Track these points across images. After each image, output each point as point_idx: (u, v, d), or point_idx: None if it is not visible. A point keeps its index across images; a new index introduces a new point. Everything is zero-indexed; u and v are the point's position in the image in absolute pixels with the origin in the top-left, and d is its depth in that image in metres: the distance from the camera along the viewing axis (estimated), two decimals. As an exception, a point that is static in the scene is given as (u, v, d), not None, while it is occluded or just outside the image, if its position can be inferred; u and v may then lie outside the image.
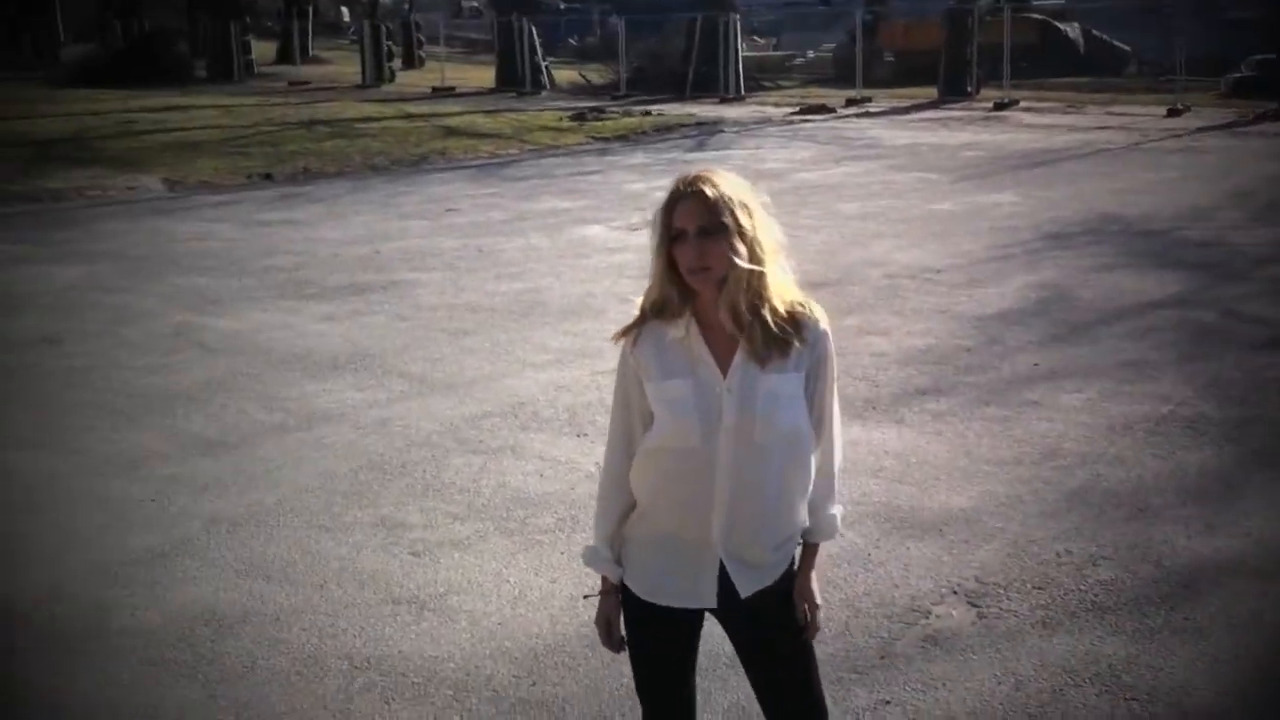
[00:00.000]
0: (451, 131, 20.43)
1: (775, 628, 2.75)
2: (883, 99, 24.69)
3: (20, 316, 8.63)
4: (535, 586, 4.56)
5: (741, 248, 2.52)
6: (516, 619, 4.33)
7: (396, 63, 35.18)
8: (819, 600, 2.79)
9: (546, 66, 30.46)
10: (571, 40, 41.05)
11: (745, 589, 2.67)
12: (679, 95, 26.33)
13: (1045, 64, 27.60)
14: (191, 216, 12.85)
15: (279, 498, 5.38)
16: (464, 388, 6.95)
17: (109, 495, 5.48)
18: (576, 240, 11.26)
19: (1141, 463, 5.60)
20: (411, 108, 24.70)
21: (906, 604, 4.35)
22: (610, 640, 2.81)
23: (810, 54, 35.62)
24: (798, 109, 23.65)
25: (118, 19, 34.70)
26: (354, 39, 38.44)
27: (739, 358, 2.56)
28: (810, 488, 2.70)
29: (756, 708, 2.91)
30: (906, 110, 23.36)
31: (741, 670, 3.90)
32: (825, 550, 4.75)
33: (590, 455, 5.86)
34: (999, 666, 3.95)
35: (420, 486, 5.52)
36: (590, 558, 2.79)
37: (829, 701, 3.72)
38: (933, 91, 25.38)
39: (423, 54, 38.40)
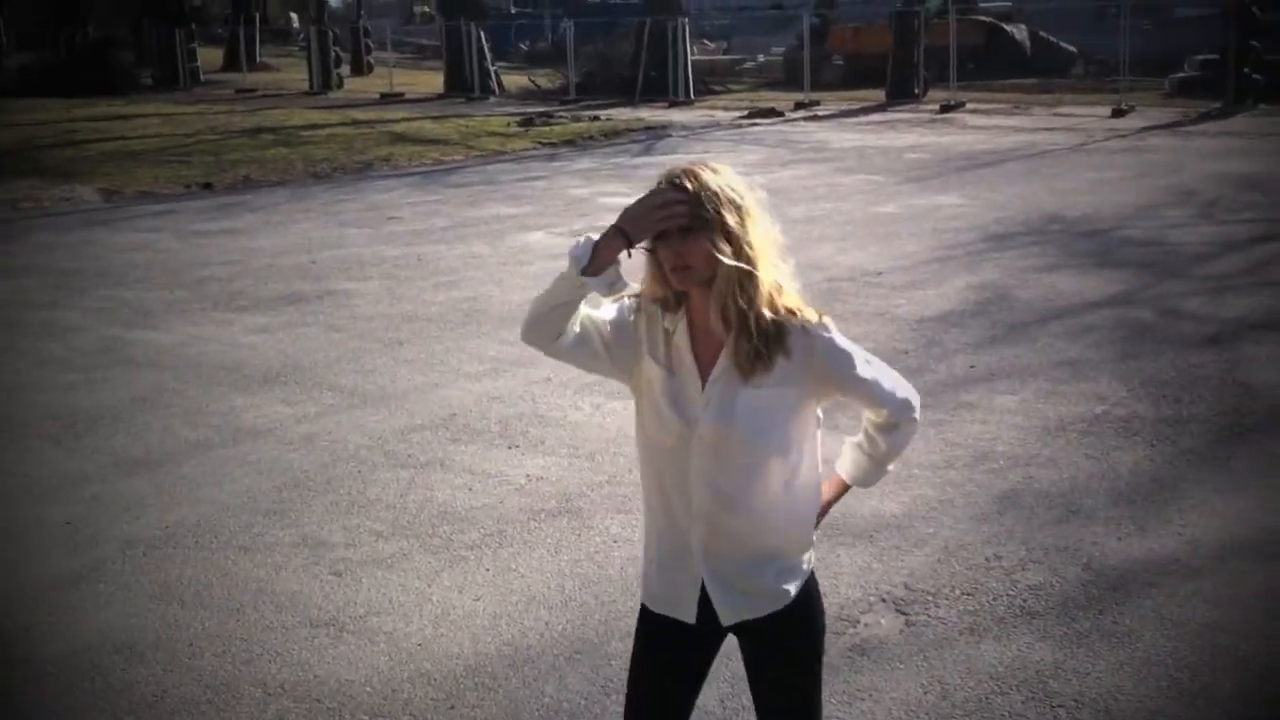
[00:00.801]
0: (397, 138, 20.27)
1: (768, 658, 2.64)
2: (831, 102, 24.75)
3: (-56, 334, 8.44)
4: (458, 605, 4.46)
5: (726, 246, 2.36)
6: (438, 639, 4.23)
7: (345, 69, 34.89)
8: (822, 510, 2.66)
9: (496, 72, 30.31)
10: (522, 45, 40.89)
11: (727, 615, 2.53)
12: (628, 100, 26.27)
13: (992, 66, 27.74)
14: (127, 227, 12.64)
15: (199, 517, 5.25)
16: (395, 400, 6.83)
17: (28, 519, 5.33)
18: (519, 247, 11.16)
19: (1074, 464, 5.58)
20: (358, 114, 24.50)
21: (835, 613, 4.28)
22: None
23: (760, 58, 35.66)
24: (746, 113, 23.65)
25: (62, 27, 34.19)
26: (302, 45, 38.09)
27: (720, 366, 2.43)
28: (813, 510, 2.60)
29: None
30: (854, 113, 23.42)
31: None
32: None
33: (521, 467, 5.78)
34: (926, 675, 3.89)
35: (345, 503, 5.41)
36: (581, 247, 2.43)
37: (753, 715, 3.66)
38: (881, 95, 25.47)
39: (371, 60, 38.10)
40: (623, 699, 3.75)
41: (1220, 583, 4.46)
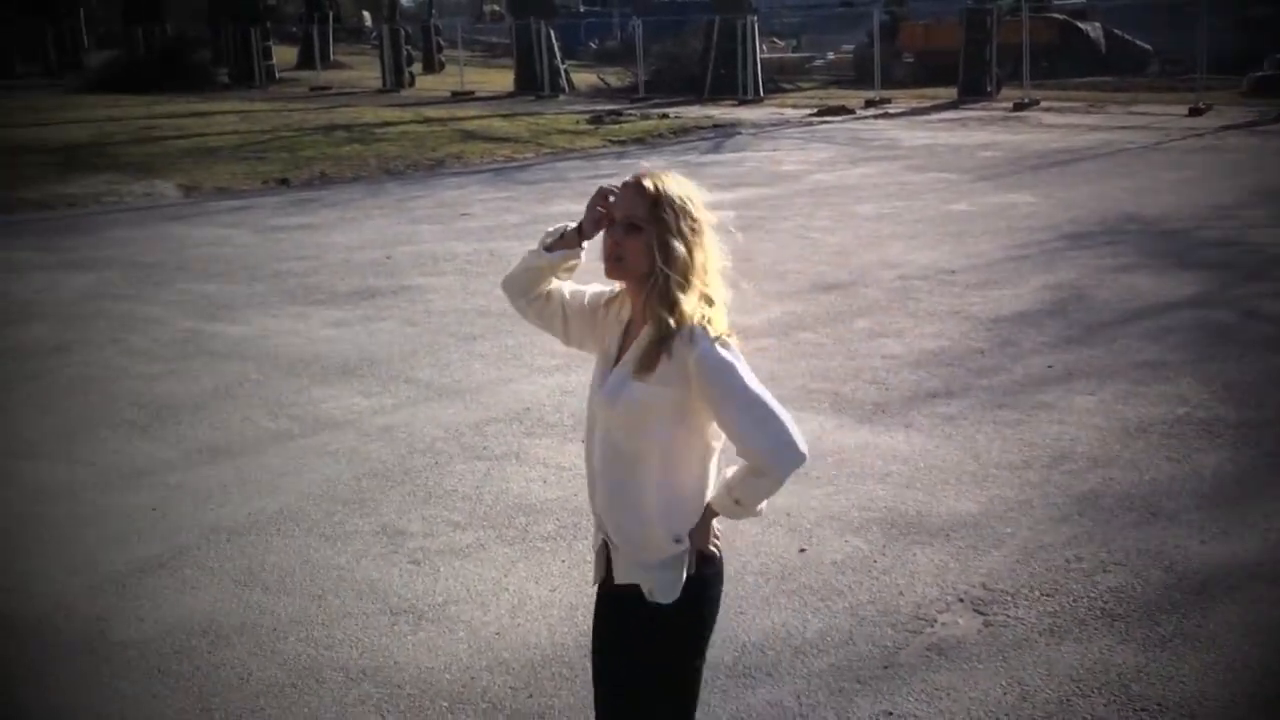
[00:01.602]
0: (468, 135, 20.43)
1: (612, 635, 2.71)
2: (902, 100, 24.55)
3: (29, 325, 8.64)
4: (534, 595, 4.50)
5: (666, 249, 2.50)
6: (515, 629, 4.27)
7: (417, 67, 35.22)
8: (702, 546, 2.66)
9: (565, 70, 30.43)
10: (591, 43, 41.02)
11: (619, 573, 2.65)
12: (697, 97, 26.25)
13: (1066, 64, 27.37)
14: (205, 222, 12.86)
15: (280, 506, 5.34)
16: (470, 393, 6.90)
17: (113, 505, 5.45)
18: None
19: (1155, 466, 5.50)
20: (430, 112, 24.71)
21: (911, 612, 4.28)
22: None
23: (830, 55, 35.47)
24: (816, 110, 23.54)
25: (140, 25, 34.86)
26: (375, 44, 38.51)
27: (627, 356, 2.58)
28: (690, 519, 2.62)
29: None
30: (925, 111, 23.22)
31: (741, 682, 3.86)
32: (828, 558, 4.70)
33: (595, 461, 5.81)
34: (1005, 676, 3.86)
35: (422, 493, 5.47)
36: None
37: (830, 711, 3.67)
38: (952, 92, 25.22)
39: (443, 58, 38.43)
40: (701, 690, 3.78)
41: (1307, 588, 4.38)
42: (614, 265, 2.56)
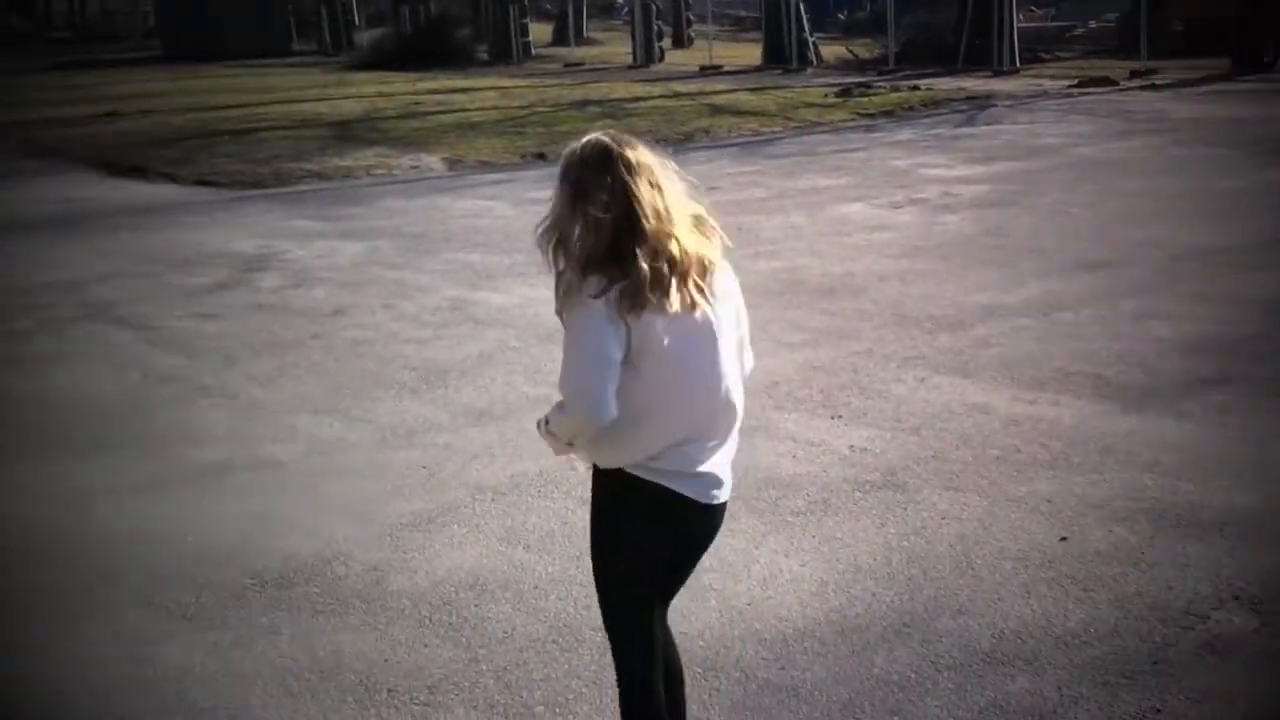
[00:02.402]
0: (716, 109, 20.52)
1: None
2: (1170, 71, 23.25)
3: (313, 289, 9.22)
4: (785, 569, 4.55)
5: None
6: (766, 600, 4.33)
7: (666, 42, 35.54)
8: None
9: (814, 42, 30.10)
10: (840, 15, 40.44)
11: None
12: (950, 69, 25.53)
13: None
14: (468, 194, 13.40)
15: (540, 469, 5.55)
16: (722, 366, 6.98)
17: (387, 461, 5.80)
18: (837, 218, 11.12)
19: None
20: (679, 86, 24.93)
21: (1182, 607, 4.11)
22: None
23: (1091, 24, 33.88)
24: (1076, 82, 22.54)
25: (407, 4, 36.44)
26: (626, 20, 39.08)
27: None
28: None
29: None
30: (1195, 83, 21.91)
31: (999, 670, 3.81)
32: (1092, 547, 4.56)
33: (844, 438, 5.81)
34: (1283, 680, 3.68)
35: (676, 463, 5.58)
36: None
37: (1094, 705, 3.58)
38: (1225, 64, 23.71)
39: (691, 33, 38.65)
40: (955, 676, 3.76)
41: None
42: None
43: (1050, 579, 4.34)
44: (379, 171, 15.22)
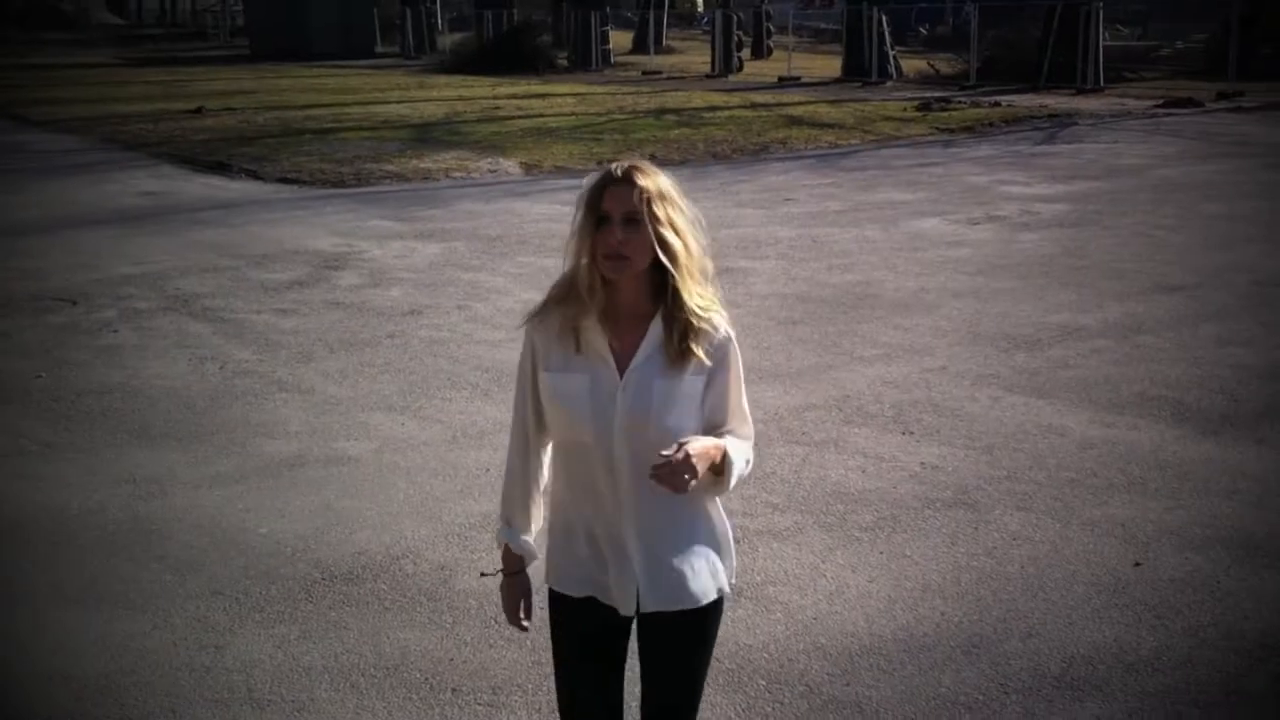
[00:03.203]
0: (794, 121, 20.47)
1: (668, 651, 2.71)
2: (1258, 93, 22.79)
3: (390, 289, 9.33)
4: (852, 584, 4.52)
5: (675, 239, 2.49)
6: (832, 615, 4.30)
7: (745, 52, 35.56)
8: (689, 451, 2.45)
9: (894, 56, 29.93)
10: (922, 29, 40.18)
11: (651, 601, 2.61)
12: (1032, 86, 25.26)
13: None
14: (544, 199, 13.48)
15: (609, 475, 5.56)
16: (790, 378, 6.96)
17: (457, 461, 5.84)
18: (913, 233, 11.03)
19: None
20: (756, 97, 24.91)
21: (1257, 639, 4.02)
22: (515, 619, 2.85)
23: (1179, 44, 33.33)
24: (1161, 102, 22.19)
25: (490, 9, 36.83)
26: (706, 29, 39.15)
27: (642, 355, 2.53)
28: (716, 502, 2.69)
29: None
30: (1288, 104, 21.46)
31: (1068, 695, 3.75)
32: (1166, 574, 4.48)
33: (915, 454, 5.75)
34: (1363, 720, 3.59)
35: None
36: (501, 533, 2.80)
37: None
38: (1320, 84, 23.20)
39: (771, 44, 38.64)
40: (1024, 700, 3.70)
41: None
42: (615, 263, 2.49)
43: (1123, 605, 4.26)
44: (457, 174, 15.36)
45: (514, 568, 2.81)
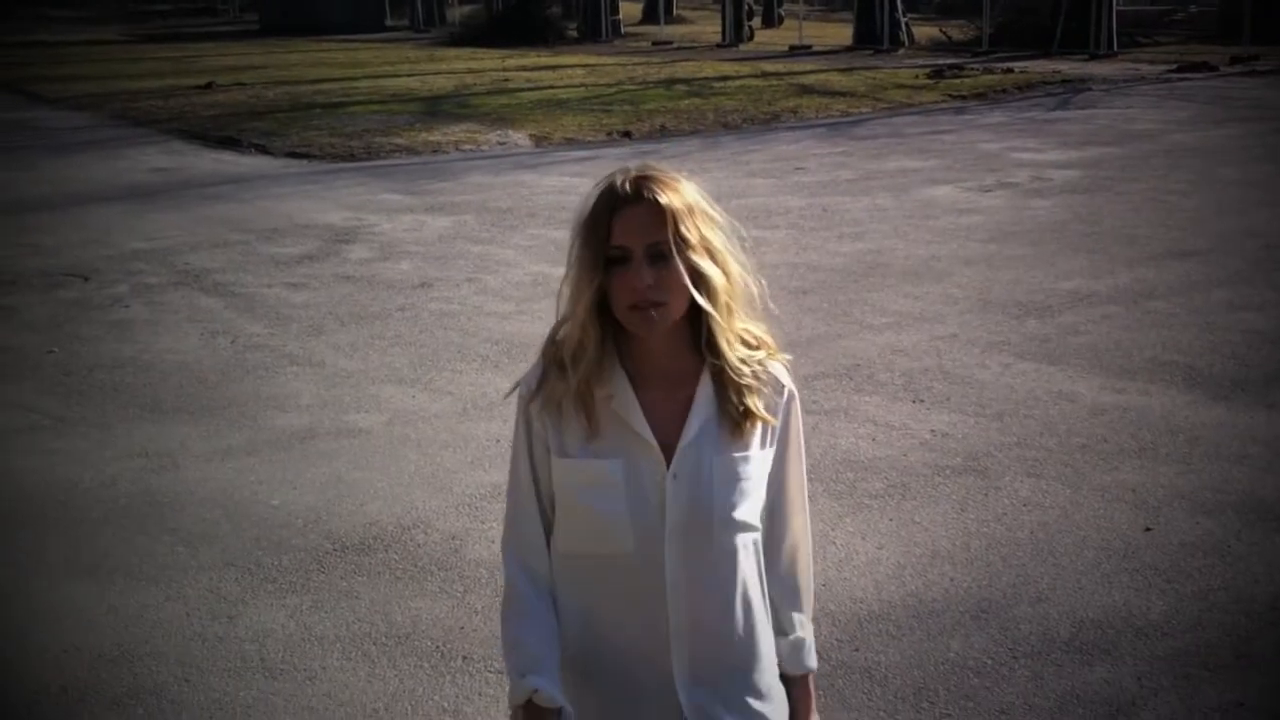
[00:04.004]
0: (805, 89, 20.36)
1: None
2: (1273, 58, 22.58)
3: (400, 261, 9.33)
4: (861, 551, 4.52)
5: (715, 270, 1.90)
6: (841, 581, 4.31)
7: (756, 21, 35.36)
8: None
9: (906, 23, 29.73)
10: (933, -4, 39.88)
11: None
12: (1045, 52, 25.06)
13: None
14: (554, 171, 13.45)
15: (619, 444, 5.57)
16: (800, 346, 6.94)
17: (467, 433, 5.86)
18: (924, 201, 10.98)
19: None
20: (767, 66, 24.77)
21: (1269, 601, 4.02)
22: None
23: (1193, 8, 33.02)
24: (1175, 66, 22.01)
25: (497, -19, 36.73)
26: (715, -2, 38.97)
27: (691, 428, 1.92)
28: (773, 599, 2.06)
29: None
30: (1304, 67, 21.27)
31: (1077, 659, 3.75)
32: (1177, 538, 4.48)
33: (925, 422, 5.75)
34: (1373, 681, 3.58)
35: (754, 442, 5.57)
36: (521, 688, 1.93)
37: (1174, 697, 3.51)
38: (1338, 46, 22.97)
39: (782, 12, 38.42)
40: (1033, 664, 3.71)
41: None
42: (647, 316, 1.87)
43: (1133, 569, 4.26)
44: (467, 147, 15.33)
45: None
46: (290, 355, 7.11)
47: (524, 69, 24.79)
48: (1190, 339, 6.76)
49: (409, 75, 23.83)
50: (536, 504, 2.00)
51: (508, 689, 1.98)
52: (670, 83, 21.61)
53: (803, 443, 2.05)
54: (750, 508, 1.95)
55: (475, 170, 13.66)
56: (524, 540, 2.02)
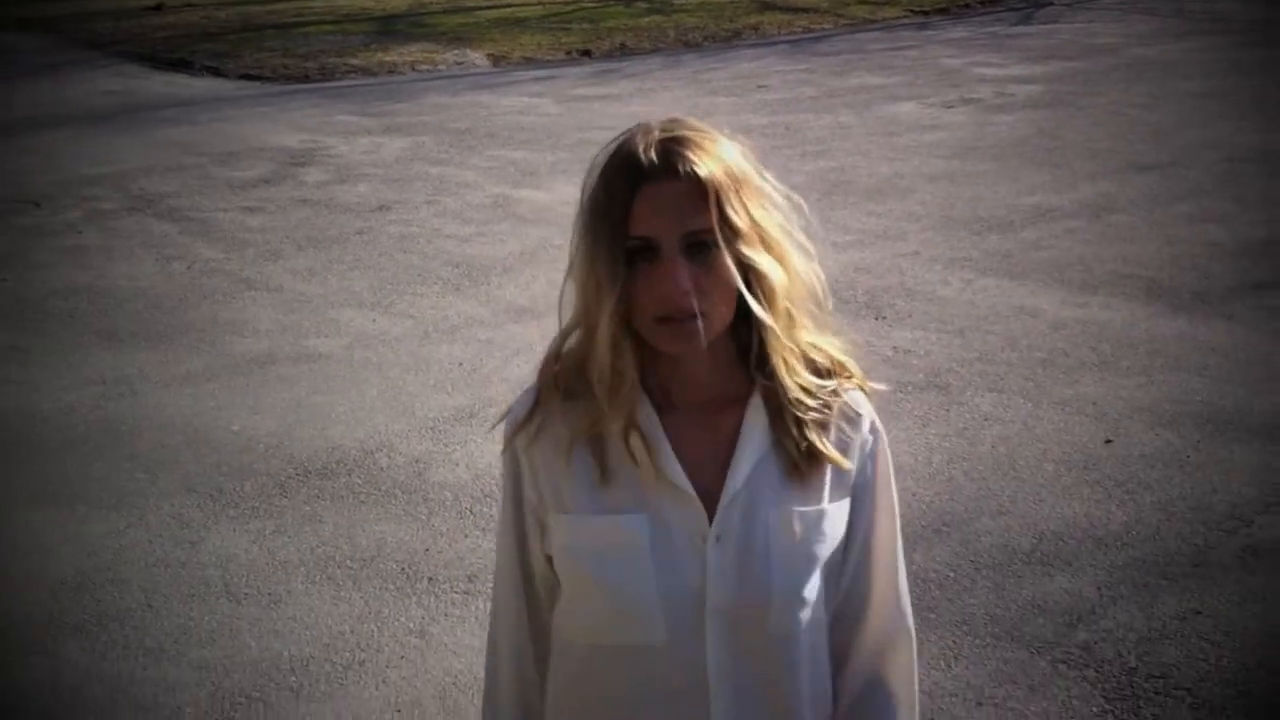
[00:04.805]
0: (766, 6, 20.10)
1: None
2: (1238, -34, 22.48)
3: (357, 184, 9.19)
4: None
5: (749, 271, 1.40)
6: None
7: (714, -64, 34.83)
8: None
9: (867, -63, 29.38)
10: (895, -91, 39.41)
11: None
12: (1008, -35, 24.87)
13: None
14: (512, 91, 13.25)
15: (582, 365, 5.54)
16: (765, 265, 6.92)
17: (429, 356, 5.82)
18: (887, 117, 10.91)
19: None
20: (727, -18, 24.41)
21: (1226, 511, 4.08)
22: None
23: (1158, -82, 32.80)
24: (1139, -21, 21.89)
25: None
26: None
27: (740, 473, 1.44)
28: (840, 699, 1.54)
29: None
30: (1266, -21, 21.18)
31: (1038, 570, 3.79)
32: (1136, 450, 4.52)
33: (888, 339, 5.76)
34: (1327, 585, 3.65)
35: (717, 361, 5.57)
36: None
37: (1133, 605, 3.56)
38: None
39: (741, -73, 37.89)
40: (994, 575, 3.74)
41: None
42: (684, 329, 1.38)
43: (1093, 481, 4.30)
44: (423, 67, 15.07)
45: None
46: (247, 280, 7.01)
47: (481, -13, 24.33)
48: (1151, 252, 6.78)
49: (363, -6, 23.33)
50: (522, 585, 1.53)
51: None
52: (631, 0, 21.29)
53: (895, 496, 1.55)
54: (818, 584, 1.46)
55: (432, 91, 13.43)
56: (510, 638, 1.55)
